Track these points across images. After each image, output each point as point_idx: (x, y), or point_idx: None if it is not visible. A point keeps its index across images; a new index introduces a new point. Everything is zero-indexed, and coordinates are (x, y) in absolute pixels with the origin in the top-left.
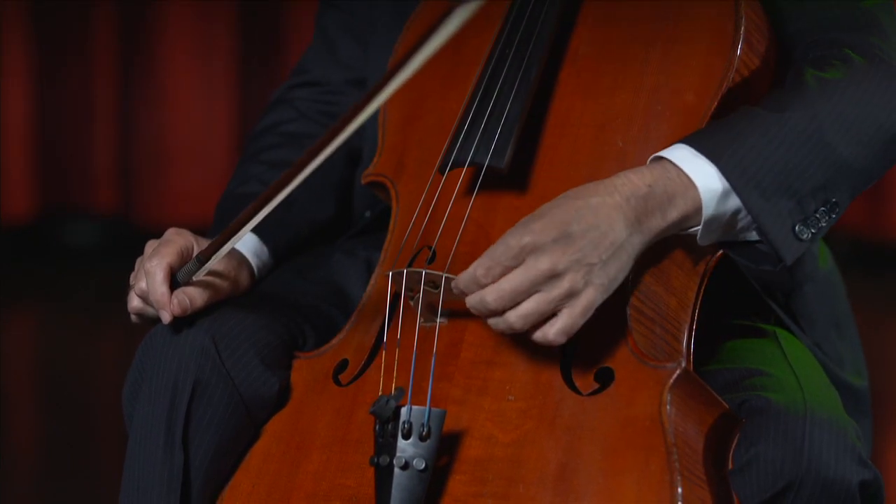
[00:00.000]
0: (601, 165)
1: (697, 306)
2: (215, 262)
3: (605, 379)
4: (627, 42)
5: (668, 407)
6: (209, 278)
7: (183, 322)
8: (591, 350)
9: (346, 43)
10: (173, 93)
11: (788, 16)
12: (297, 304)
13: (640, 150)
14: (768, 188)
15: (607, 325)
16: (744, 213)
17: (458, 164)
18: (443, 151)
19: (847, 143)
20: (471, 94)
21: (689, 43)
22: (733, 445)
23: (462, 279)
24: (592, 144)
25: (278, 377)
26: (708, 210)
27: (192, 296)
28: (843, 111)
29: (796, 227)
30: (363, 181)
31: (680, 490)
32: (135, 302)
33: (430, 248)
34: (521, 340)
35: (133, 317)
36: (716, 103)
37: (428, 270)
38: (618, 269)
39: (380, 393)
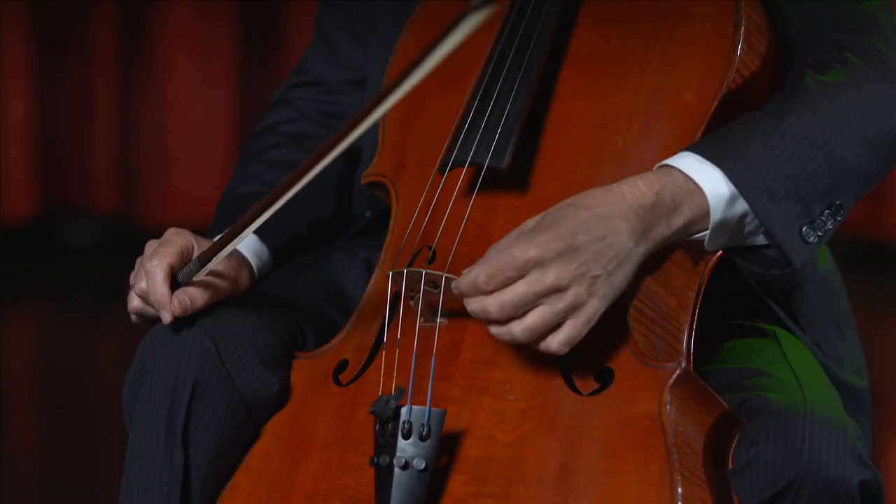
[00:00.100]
0: (601, 165)
1: (697, 306)
2: (216, 263)
3: (605, 379)
4: (627, 42)
5: (668, 407)
6: (209, 278)
7: (183, 322)
8: (591, 350)
9: (346, 43)
10: (173, 93)
11: (788, 16)
12: (297, 304)
13: (641, 149)
14: (776, 192)
15: (607, 325)
16: (751, 217)
17: (458, 164)
18: (443, 151)
19: (850, 146)
20: (471, 94)
21: (690, 43)
22: (733, 445)
23: (463, 283)
24: (592, 144)
25: (278, 377)
26: (716, 215)
27: (193, 296)
28: (845, 114)
29: (803, 230)
30: (363, 181)
31: (680, 490)
32: (135, 302)
33: (430, 248)
34: None
35: (133, 317)
36: (716, 103)
37: (428, 270)
38: (621, 279)
39: (380, 393)
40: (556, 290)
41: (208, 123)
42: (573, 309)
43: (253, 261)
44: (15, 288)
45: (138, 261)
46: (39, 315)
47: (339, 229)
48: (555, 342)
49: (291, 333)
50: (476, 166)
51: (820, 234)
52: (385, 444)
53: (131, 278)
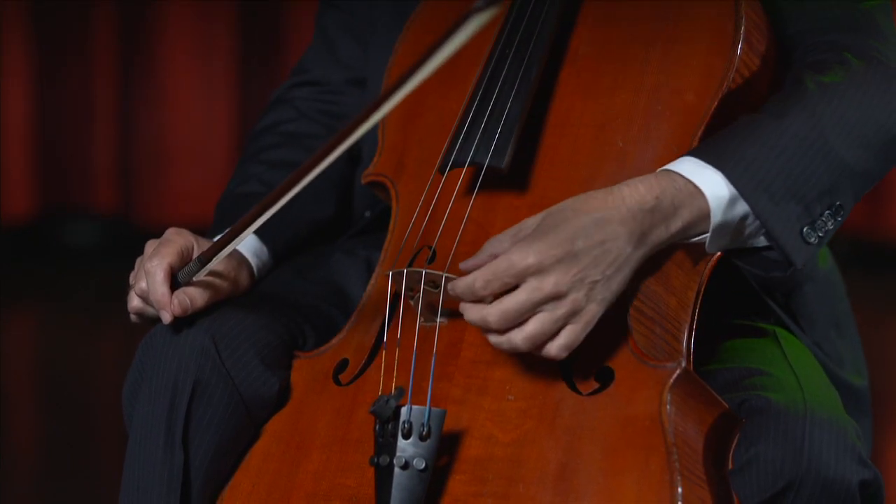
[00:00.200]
0: (601, 165)
1: (697, 306)
2: (216, 263)
3: (605, 379)
4: (627, 42)
5: (668, 407)
6: (209, 278)
7: (183, 322)
8: (591, 350)
9: (346, 43)
10: (173, 93)
11: (788, 16)
12: (297, 303)
13: (641, 149)
14: (776, 193)
15: (607, 325)
16: (751, 218)
17: (458, 163)
18: (443, 151)
19: (849, 147)
20: (471, 93)
21: (690, 43)
22: (733, 445)
23: (459, 286)
24: (592, 144)
25: (278, 377)
26: (716, 217)
27: (193, 296)
28: (844, 114)
29: (804, 231)
30: (363, 181)
31: (680, 490)
32: (135, 302)
33: (430, 247)
34: None
35: (133, 317)
36: (716, 103)
37: (428, 270)
38: (620, 283)
39: (380, 393)
40: (556, 296)
41: (208, 123)
42: (572, 315)
43: (253, 261)
44: (15, 288)
45: (138, 261)
46: (39, 315)
47: (340, 229)
48: (554, 348)
49: (291, 333)
50: (476, 166)
51: (821, 234)
52: (385, 444)
53: (131, 278)
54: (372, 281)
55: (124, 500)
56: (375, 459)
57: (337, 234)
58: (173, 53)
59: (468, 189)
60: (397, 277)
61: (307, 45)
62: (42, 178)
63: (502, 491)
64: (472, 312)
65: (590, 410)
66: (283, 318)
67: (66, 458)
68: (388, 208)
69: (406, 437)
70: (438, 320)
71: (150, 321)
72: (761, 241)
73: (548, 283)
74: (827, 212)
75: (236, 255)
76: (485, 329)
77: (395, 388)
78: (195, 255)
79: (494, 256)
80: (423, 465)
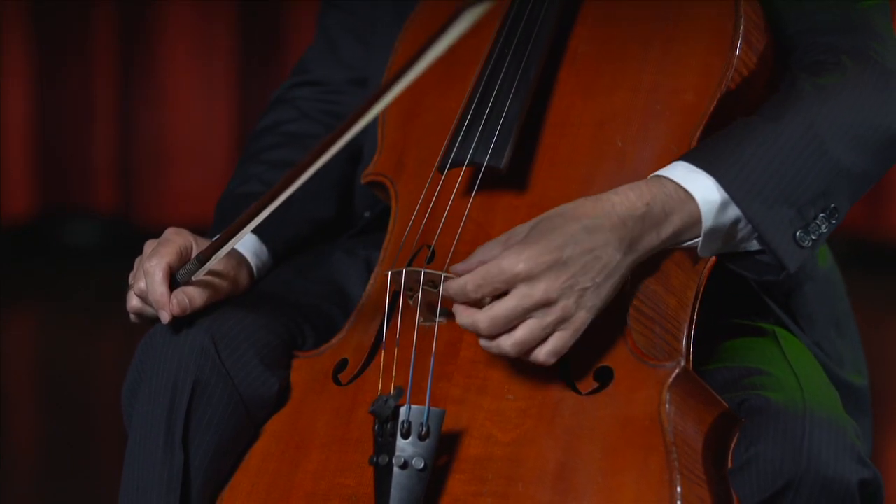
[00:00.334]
0: (600, 165)
1: (697, 305)
2: (215, 263)
3: (604, 378)
4: (626, 41)
5: (667, 406)
6: (208, 278)
7: (182, 322)
8: (590, 349)
9: (347, 43)
10: (173, 93)
11: (787, 16)
12: (297, 303)
13: (639, 149)
14: (768, 197)
15: (606, 324)
16: (744, 222)
17: (457, 163)
18: (442, 151)
19: (844, 149)
20: (470, 93)
21: (689, 42)
22: (733, 444)
23: (452, 287)
24: (591, 143)
25: (278, 377)
26: (707, 222)
27: (192, 296)
28: (839, 116)
29: (797, 234)
30: (363, 180)
31: (679, 489)
32: (134, 301)
33: (429, 247)
34: None
35: (132, 316)
36: (715, 103)
37: (427, 270)
38: (610, 290)
39: (379, 392)
40: (546, 304)
41: (208, 123)
42: (562, 322)
43: (252, 260)
44: (15, 288)
45: (137, 260)
46: (39, 315)
47: (340, 228)
48: (542, 353)
49: (291, 333)
50: (475, 165)
51: (814, 237)
52: (384, 444)
53: (130, 278)
54: (371, 281)
55: (124, 500)
56: (375, 459)
57: (338, 234)
58: (173, 53)
59: (467, 188)
60: (396, 277)
61: (307, 45)
62: (42, 178)
63: (502, 490)
64: (463, 316)
65: (589, 410)
66: (282, 318)
67: (66, 458)
68: (388, 208)
69: (405, 436)
70: (437, 320)
71: (149, 321)
72: (755, 245)
73: (538, 291)
74: (821, 215)
75: (235, 254)
76: (475, 333)
77: (395, 388)
78: (194, 254)
79: (484, 262)
80: (422, 464)
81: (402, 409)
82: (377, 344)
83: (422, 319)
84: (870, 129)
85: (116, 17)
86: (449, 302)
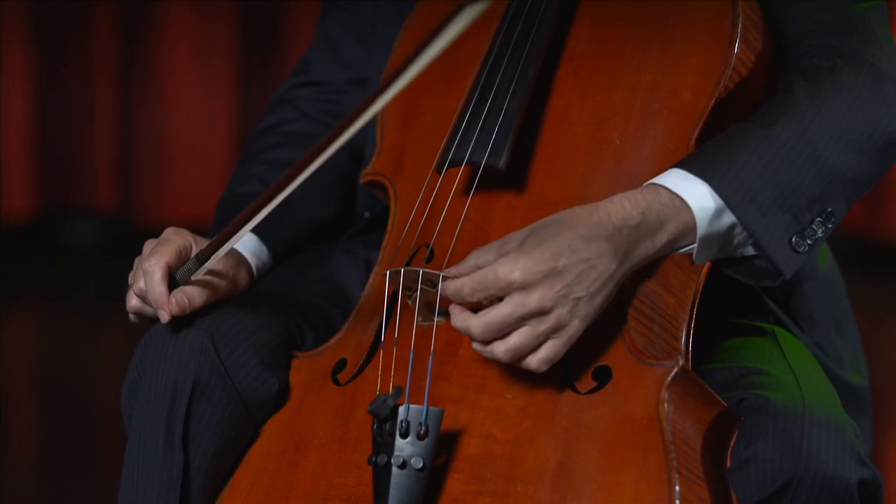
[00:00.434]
0: (598, 163)
1: (696, 304)
2: (214, 262)
3: (603, 377)
4: (625, 41)
5: (665, 405)
6: (208, 278)
7: (182, 322)
8: (589, 348)
9: (348, 43)
10: (173, 93)
11: (784, 17)
12: (297, 303)
13: (638, 148)
14: (763, 203)
15: (605, 323)
16: (739, 228)
17: (455, 163)
18: (440, 150)
19: (840, 152)
20: (468, 92)
21: (687, 42)
22: (732, 444)
23: (448, 289)
24: (590, 142)
25: (277, 377)
26: (701, 229)
27: (191, 295)
28: (834, 119)
29: (793, 240)
30: (362, 181)
31: (678, 488)
32: (133, 301)
33: (427, 246)
34: None
35: (132, 316)
36: (713, 102)
37: (425, 269)
38: (604, 299)
39: (378, 392)
40: (540, 312)
41: (208, 123)
42: (555, 330)
43: (252, 260)
44: (15, 288)
45: (137, 260)
46: (39, 315)
47: (341, 228)
48: (534, 361)
49: (290, 333)
50: (473, 165)
51: (810, 242)
52: (383, 444)
53: (130, 278)
54: (370, 280)
55: (124, 500)
56: (373, 459)
57: (338, 234)
58: (173, 53)
59: (466, 188)
60: (395, 277)
61: (307, 45)
62: (42, 178)
63: (501, 489)
64: (457, 320)
65: (588, 409)
66: (282, 318)
67: (66, 458)
68: (387, 208)
69: (404, 436)
70: (436, 319)
71: (149, 321)
72: (751, 251)
73: (532, 300)
74: (817, 219)
75: (235, 254)
76: (469, 336)
77: (393, 388)
78: (193, 254)
79: (478, 267)
80: (421, 464)
81: (401, 409)
82: (376, 343)
83: (420, 319)
84: (865, 132)
85: (116, 17)
86: (447, 301)
